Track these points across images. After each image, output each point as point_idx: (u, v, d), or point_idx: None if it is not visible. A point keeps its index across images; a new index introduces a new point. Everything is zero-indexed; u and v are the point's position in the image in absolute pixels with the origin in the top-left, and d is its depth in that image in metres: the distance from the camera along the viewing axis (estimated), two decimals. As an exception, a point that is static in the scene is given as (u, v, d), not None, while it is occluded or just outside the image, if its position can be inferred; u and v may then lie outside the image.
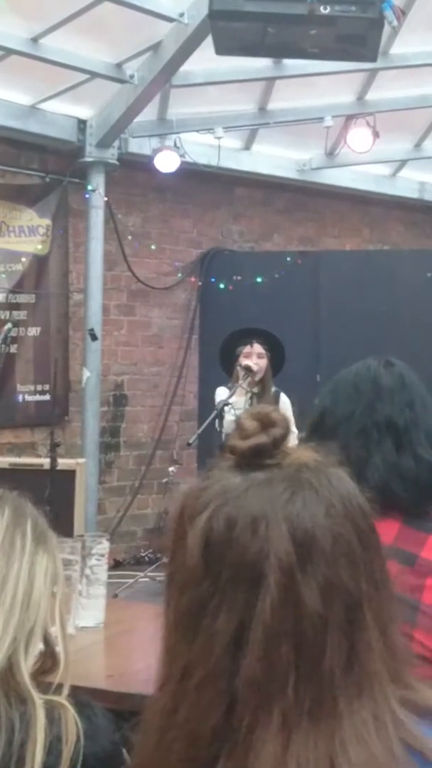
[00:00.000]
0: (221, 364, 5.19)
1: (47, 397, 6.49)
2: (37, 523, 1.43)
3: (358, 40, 4.30)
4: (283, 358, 5.16)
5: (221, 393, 5.03)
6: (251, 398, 5.12)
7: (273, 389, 5.15)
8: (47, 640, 1.39)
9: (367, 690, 0.85)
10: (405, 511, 1.72)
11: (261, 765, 0.81)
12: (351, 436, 1.75)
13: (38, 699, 1.30)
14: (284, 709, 0.82)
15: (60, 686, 1.36)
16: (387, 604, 0.90)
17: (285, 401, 5.14)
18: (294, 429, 5.09)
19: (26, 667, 1.32)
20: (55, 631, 1.40)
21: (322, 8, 4.09)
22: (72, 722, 1.30)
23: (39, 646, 1.37)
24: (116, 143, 6.81)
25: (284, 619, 0.83)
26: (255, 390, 5.11)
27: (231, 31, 4.38)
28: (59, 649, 1.40)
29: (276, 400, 5.12)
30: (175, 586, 0.89)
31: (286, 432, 0.93)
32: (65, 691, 1.36)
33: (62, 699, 1.33)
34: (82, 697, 1.37)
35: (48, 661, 1.39)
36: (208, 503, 0.88)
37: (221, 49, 4.63)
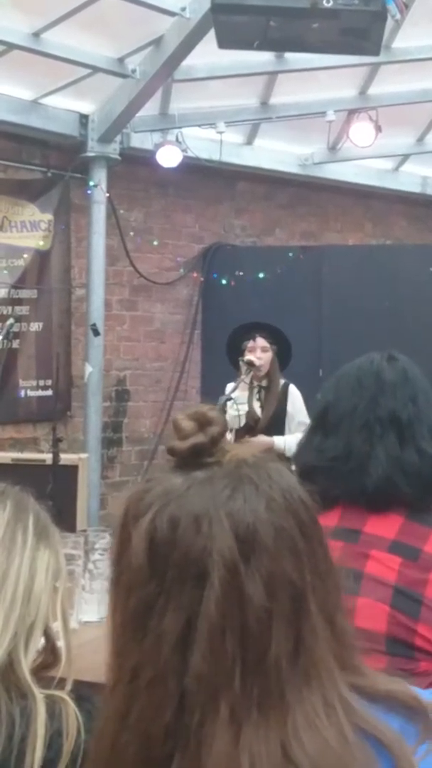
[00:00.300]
0: (229, 360, 5.19)
1: (49, 392, 6.48)
2: (39, 518, 1.43)
3: (361, 33, 4.28)
4: (289, 351, 5.16)
5: (230, 389, 5.04)
6: (259, 392, 5.12)
7: (282, 382, 5.15)
8: (48, 636, 1.38)
9: (315, 677, 0.86)
10: (408, 505, 1.72)
11: (214, 760, 0.82)
12: (354, 431, 1.75)
13: (39, 693, 1.30)
14: (231, 702, 0.83)
15: (62, 681, 1.35)
16: (333, 592, 0.91)
17: (294, 393, 5.13)
18: (307, 420, 5.08)
19: (26, 662, 1.32)
20: (56, 626, 1.40)
21: (324, 1, 4.07)
22: (73, 716, 1.30)
23: (39, 641, 1.36)
24: (118, 138, 6.79)
25: (229, 614, 0.84)
26: (263, 384, 5.11)
27: (233, 25, 4.37)
28: (60, 644, 1.40)
29: (285, 393, 5.12)
30: (122, 588, 0.90)
31: (224, 430, 0.94)
32: (68, 686, 1.36)
33: (63, 693, 1.33)
34: (83, 691, 1.37)
35: (49, 656, 1.39)
36: (151, 504, 0.89)
37: (224, 43, 4.62)
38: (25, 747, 1.26)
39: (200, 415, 0.94)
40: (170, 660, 0.85)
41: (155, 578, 0.87)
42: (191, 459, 0.92)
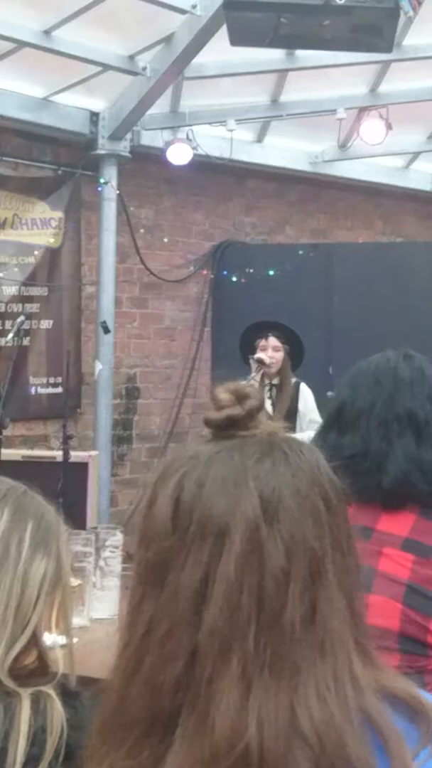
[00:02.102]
0: (242, 358, 5.19)
1: (60, 389, 6.50)
2: (39, 525, 1.38)
3: (373, 30, 4.27)
4: (302, 352, 5.16)
5: None
6: (270, 390, 5.12)
7: (294, 380, 5.15)
8: (38, 644, 1.36)
9: (330, 650, 0.86)
10: (422, 503, 1.72)
11: (222, 715, 0.82)
12: (372, 429, 1.75)
13: (23, 691, 1.29)
14: (243, 659, 0.83)
15: (54, 675, 1.34)
16: (353, 571, 0.92)
17: (306, 392, 5.14)
18: (318, 419, 5.09)
19: (4, 668, 1.31)
20: (50, 637, 1.39)
21: (337, -2, 4.07)
22: (58, 713, 1.29)
23: (18, 648, 1.33)
24: (129, 136, 6.80)
25: (247, 572, 0.85)
26: (275, 382, 5.11)
27: (245, 22, 4.37)
28: (50, 647, 1.38)
29: (296, 391, 5.12)
30: (143, 541, 0.92)
31: (261, 404, 0.96)
32: (72, 680, 1.35)
33: (49, 689, 1.31)
34: (71, 686, 1.36)
35: (39, 665, 1.37)
36: (181, 467, 0.91)
37: (236, 40, 4.61)
38: (8, 743, 1.26)
39: (239, 389, 0.96)
40: (185, 613, 0.85)
41: (177, 533, 0.88)
42: (226, 430, 0.93)
